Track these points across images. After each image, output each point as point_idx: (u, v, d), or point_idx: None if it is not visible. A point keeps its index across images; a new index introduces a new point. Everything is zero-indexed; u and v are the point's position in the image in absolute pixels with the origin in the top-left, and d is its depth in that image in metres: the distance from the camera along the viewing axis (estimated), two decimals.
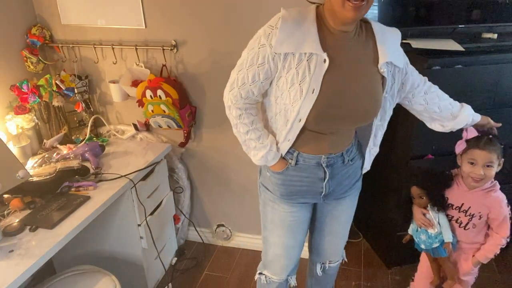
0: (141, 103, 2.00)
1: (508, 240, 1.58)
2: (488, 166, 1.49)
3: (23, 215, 1.56)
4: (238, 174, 2.27)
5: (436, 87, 1.49)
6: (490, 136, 1.50)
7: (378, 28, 1.27)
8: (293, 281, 1.65)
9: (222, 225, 2.47)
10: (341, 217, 1.55)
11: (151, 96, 1.96)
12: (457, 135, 1.89)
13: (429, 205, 1.63)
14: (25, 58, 2.07)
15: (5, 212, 1.57)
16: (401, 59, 1.32)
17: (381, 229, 2.32)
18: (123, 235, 1.96)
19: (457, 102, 1.50)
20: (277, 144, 1.34)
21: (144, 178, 1.96)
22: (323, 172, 1.36)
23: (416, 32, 1.94)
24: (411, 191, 1.65)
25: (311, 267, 1.76)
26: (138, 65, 2.07)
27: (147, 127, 2.25)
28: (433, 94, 1.46)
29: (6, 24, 1.99)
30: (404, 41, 1.83)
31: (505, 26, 2.02)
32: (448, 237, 1.61)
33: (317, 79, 1.17)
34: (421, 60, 1.76)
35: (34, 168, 1.82)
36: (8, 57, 2.01)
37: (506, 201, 1.57)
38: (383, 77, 1.28)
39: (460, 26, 1.91)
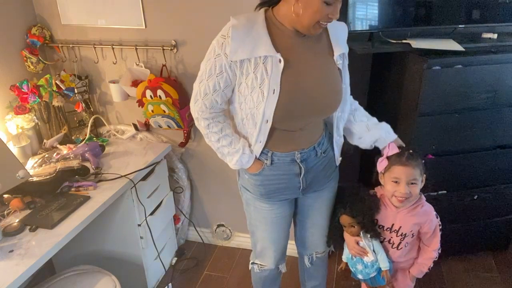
0: (141, 103, 2.00)
1: (439, 251, 1.53)
2: (412, 183, 1.41)
3: (23, 215, 1.56)
4: None
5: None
6: (411, 151, 1.42)
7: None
8: (283, 269, 1.72)
9: (222, 225, 2.47)
10: (322, 208, 1.58)
11: (151, 96, 1.96)
12: (459, 134, 1.90)
13: (361, 233, 1.54)
14: (25, 58, 2.07)
15: (5, 212, 1.57)
16: (347, 52, 1.39)
17: None
18: (123, 235, 1.96)
19: (374, 118, 1.52)
20: (250, 147, 1.38)
21: (144, 178, 1.96)
22: (298, 167, 1.40)
23: (416, 32, 1.95)
24: (341, 220, 1.55)
25: (300, 260, 1.80)
26: (138, 65, 2.07)
27: (147, 127, 2.25)
28: (352, 100, 1.51)
29: (6, 24, 1.99)
30: (404, 41, 1.83)
31: (505, 26, 2.02)
32: (384, 265, 1.54)
33: (276, 80, 1.22)
34: (421, 60, 1.76)
35: (34, 168, 1.82)
36: (8, 57, 2.01)
37: (434, 212, 1.51)
38: (339, 69, 1.33)
39: (460, 26, 1.91)
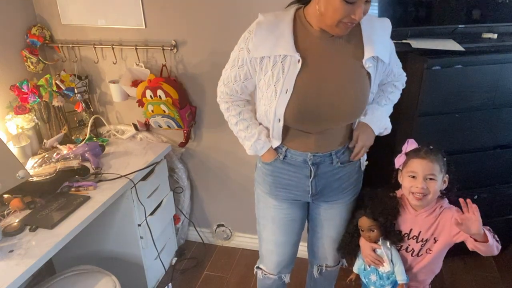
0: (141, 103, 2.00)
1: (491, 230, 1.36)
2: (430, 179, 1.33)
3: (23, 215, 1.56)
4: (238, 174, 2.27)
5: (396, 92, 1.47)
6: (431, 146, 1.37)
7: (366, 20, 1.22)
8: (287, 279, 1.66)
9: (222, 225, 2.47)
10: (335, 221, 1.51)
11: (151, 96, 1.96)
12: (459, 134, 1.90)
13: (380, 239, 1.43)
14: (25, 58, 2.07)
15: (5, 212, 1.57)
16: (387, 52, 1.27)
17: None
18: (123, 235, 1.96)
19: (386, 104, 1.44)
20: (267, 136, 1.37)
21: (144, 178, 1.96)
22: (309, 170, 1.37)
23: (416, 32, 1.95)
24: (360, 223, 1.44)
25: (309, 268, 1.77)
26: (138, 65, 2.07)
27: (147, 127, 2.25)
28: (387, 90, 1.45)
29: (6, 24, 1.99)
30: (404, 41, 1.83)
31: (505, 26, 2.02)
32: (402, 278, 1.42)
33: (291, 80, 1.20)
34: (421, 60, 1.76)
35: (34, 168, 1.82)
36: (8, 57, 2.01)
37: (455, 208, 1.38)
38: (368, 73, 1.24)
39: (460, 26, 1.91)
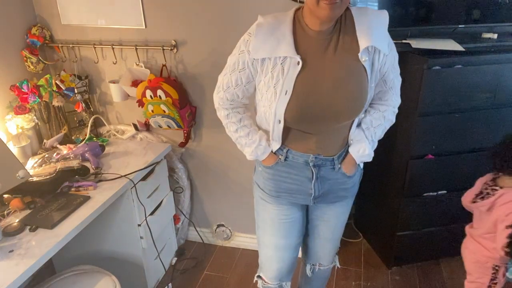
0: (141, 103, 2.00)
1: None
2: None
3: (23, 215, 1.56)
4: (238, 174, 2.27)
5: (385, 124, 1.41)
6: None
7: (357, 13, 1.21)
8: (287, 287, 1.63)
9: (222, 225, 2.47)
10: (331, 221, 1.52)
11: (151, 96, 1.96)
12: (459, 134, 1.90)
13: None
14: (25, 58, 2.07)
15: (5, 212, 1.57)
16: (385, 43, 1.22)
17: (381, 229, 2.32)
18: (123, 235, 1.96)
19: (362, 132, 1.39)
20: (268, 140, 1.37)
21: (144, 178, 1.96)
22: (311, 171, 1.35)
23: (416, 32, 1.95)
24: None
25: (302, 265, 1.76)
26: (138, 65, 2.07)
27: (147, 127, 2.25)
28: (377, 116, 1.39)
29: (6, 24, 1.99)
30: (404, 41, 1.83)
31: (505, 26, 2.02)
32: None
33: (290, 81, 1.20)
34: (421, 60, 1.76)
35: (34, 168, 1.82)
36: (8, 57, 2.01)
37: None
38: (365, 68, 1.22)
39: (460, 26, 1.91)
